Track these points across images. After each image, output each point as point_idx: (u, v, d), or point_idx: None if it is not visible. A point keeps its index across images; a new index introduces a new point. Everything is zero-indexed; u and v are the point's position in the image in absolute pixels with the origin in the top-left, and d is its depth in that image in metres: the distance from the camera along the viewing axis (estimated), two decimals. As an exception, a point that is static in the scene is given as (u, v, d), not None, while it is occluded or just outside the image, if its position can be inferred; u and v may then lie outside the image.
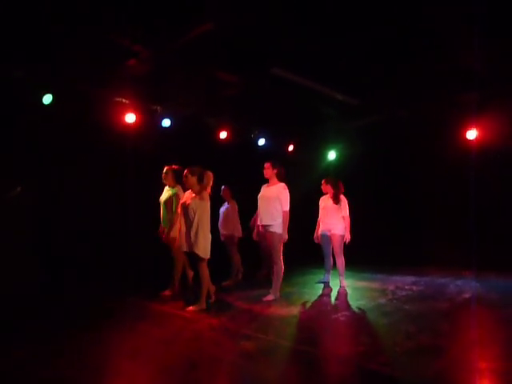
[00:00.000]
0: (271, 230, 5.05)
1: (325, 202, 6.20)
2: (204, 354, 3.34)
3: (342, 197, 6.09)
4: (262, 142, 8.44)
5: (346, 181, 9.33)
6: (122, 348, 3.51)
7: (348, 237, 5.96)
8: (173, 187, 5.44)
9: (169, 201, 5.41)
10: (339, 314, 4.48)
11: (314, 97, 7.51)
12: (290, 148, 9.17)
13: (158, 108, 6.88)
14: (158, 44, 5.56)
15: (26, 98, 5.67)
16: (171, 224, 5.29)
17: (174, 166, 5.49)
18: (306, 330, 3.98)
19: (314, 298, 5.35)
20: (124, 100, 6.47)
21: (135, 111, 6.53)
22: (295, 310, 4.65)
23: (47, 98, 5.67)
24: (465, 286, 5.93)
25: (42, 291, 5.65)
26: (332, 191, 6.06)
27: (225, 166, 7.77)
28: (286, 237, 5.04)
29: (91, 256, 6.47)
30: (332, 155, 9.63)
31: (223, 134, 7.79)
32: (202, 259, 4.60)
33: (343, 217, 5.98)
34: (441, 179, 8.67)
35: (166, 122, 6.97)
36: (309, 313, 4.63)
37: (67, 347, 3.44)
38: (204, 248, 4.56)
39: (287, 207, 5.03)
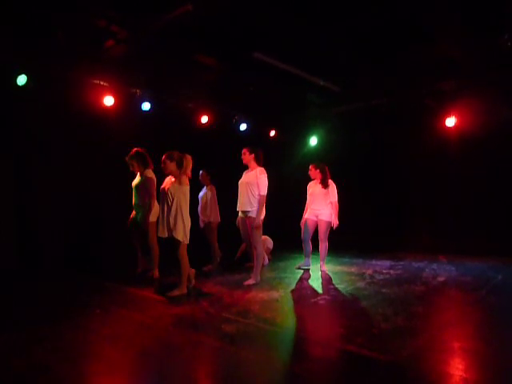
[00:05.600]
0: (251, 215, 5.05)
1: (312, 187, 6.15)
2: (185, 338, 3.35)
3: (331, 182, 6.06)
4: (243, 126, 8.39)
5: (328, 166, 9.42)
6: (101, 333, 3.49)
7: (336, 222, 5.95)
8: (141, 173, 5.41)
9: (141, 185, 5.38)
10: (319, 298, 4.56)
11: (296, 82, 7.47)
12: (272, 133, 9.16)
13: (138, 91, 6.74)
14: (136, 25, 5.41)
15: (0, 79, 5.48)
16: (149, 209, 5.29)
17: (133, 152, 5.39)
18: (287, 313, 4.04)
19: (294, 282, 5.41)
20: (102, 82, 6.31)
21: (114, 94, 6.38)
22: (276, 294, 4.70)
23: (22, 79, 5.49)
24: (440, 270, 6.09)
25: (16, 277, 5.56)
26: (321, 176, 6.03)
27: (206, 150, 7.73)
28: (260, 221, 5.03)
29: (69, 241, 6.39)
30: (313, 141, 9.65)
31: (204, 119, 7.70)
32: (181, 244, 4.55)
33: (331, 202, 5.96)
34: (420, 165, 8.83)
35: (146, 106, 6.84)
36: (289, 297, 4.69)
37: (44, 334, 3.39)
38: (183, 232, 4.52)
39: (264, 192, 5.01)
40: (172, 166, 4.56)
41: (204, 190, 6.45)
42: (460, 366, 2.71)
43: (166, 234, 4.60)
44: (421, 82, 7.28)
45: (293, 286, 5.16)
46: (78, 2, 4.93)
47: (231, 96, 7.80)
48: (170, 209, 4.51)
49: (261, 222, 5.06)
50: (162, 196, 4.64)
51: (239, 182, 5.23)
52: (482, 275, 5.64)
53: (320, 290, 4.94)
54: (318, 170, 6.07)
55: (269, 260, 6.93)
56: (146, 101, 6.80)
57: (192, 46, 6.17)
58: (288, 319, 3.85)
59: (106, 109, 6.41)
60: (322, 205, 5.97)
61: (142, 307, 4.27)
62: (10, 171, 5.94)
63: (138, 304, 4.37)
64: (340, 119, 9.20)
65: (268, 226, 6.37)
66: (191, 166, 4.61)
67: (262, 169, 5.14)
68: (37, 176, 6.19)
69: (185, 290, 4.67)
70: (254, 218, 5.03)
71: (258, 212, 5.00)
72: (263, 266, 6.65)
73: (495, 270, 5.95)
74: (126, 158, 5.41)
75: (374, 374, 2.59)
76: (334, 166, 9.47)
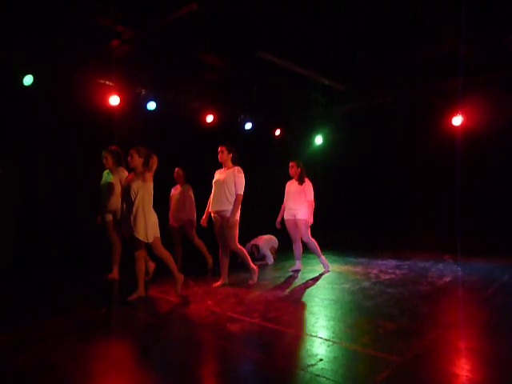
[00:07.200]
0: (225, 214, 4.90)
1: (289, 186, 6.07)
2: (190, 337, 3.36)
3: (307, 180, 5.96)
4: (248, 126, 8.40)
5: (333, 165, 9.40)
6: (106, 332, 3.51)
7: (311, 221, 5.83)
8: (114, 171, 5.32)
9: (112, 185, 5.28)
10: (324, 297, 4.56)
11: (301, 81, 7.46)
12: (277, 132, 9.15)
13: (143, 90, 6.76)
14: (141, 24, 5.43)
15: (7, 80, 5.52)
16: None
17: (111, 148, 5.34)
18: (291, 312, 4.03)
19: (299, 281, 5.41)
20: (108, 82, 6.34)
21: (119, 93, 6.41)
22: (280, 294, 4.70)
23: (28, 79, 5.53)
24: (446, 270, 6.06)
25: (18, 276, 5.59)
26: (298, 174, 5.94)
27: (211, 149, 7.74)
28: (236, 220, 4.92)
29: (73, 241, 6.42)
30: (319, 140, 9.64)
31: (209, 118, 7.72)
32: (153, 243, 4.40)
33: (307, 201, 5.85)
34: (426, 165, 8.79)
35: (151, 105, 6.86)
36: (294, 296, 4.69)
37: (48, 333, 3.41)
38: (144, 231, 4.32)
39: (241, 191, 4.92)
40: (139, 161, 4.40)
41: (178, 188, 6.25)
42: (466, 366, 2.69)
43: (127, 234, 4.45)
44: (427, 80, 7.24)
45: (297, 286, 5.16)
46: (83, 1, 4.95)
47: (236, 95, 7.80)
48: (131, 206, 4.33)
49: (236, 221, 4.95)
50: (125, 193, 4.47)
51: (213, 181, 5.08)
52: (489, 275, 5.60)
53: (325, 290, 4.94)
54: (299, 169, 5.96)
55: (274, 259, 6.94)
56: (152, 100, 6.83)
57: (197, 46, 6.17)
58: (293, 318, 3.85)
59: (112, 108, 6.43)
60: (298, 203, 5.85)
61: (146, 306, 4.29)
62: (14, 171, 5.97)
63: (143, 303, 4.39)
64: (345, 118, 9.18)
65: (274, 226, 6.37)
66: (156, 166, 4.44)
67: (240, 168, 5.04)
68: (40, 176, 6.20)
69: (182, 278, 4.66)
70: (228, 218, 4.89)
71: (234, 211, 4.89)
72: (268, 265, 6.68)
73: (502, 270, 5.91)
74: (103, 152, 5.30)
75: (380, 373, 2.58)
76: (339, 164, 9.52)
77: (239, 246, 5.06)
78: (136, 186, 4.34)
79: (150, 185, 4.42)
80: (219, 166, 5.19)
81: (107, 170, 5.43)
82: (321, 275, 5.78)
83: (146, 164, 4.40)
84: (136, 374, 2.77)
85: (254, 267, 5.22)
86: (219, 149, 5.08)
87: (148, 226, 4.34)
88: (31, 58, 5.52)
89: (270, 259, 6.87)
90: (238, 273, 5.74)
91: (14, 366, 2.78)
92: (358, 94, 8.19)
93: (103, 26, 5.42)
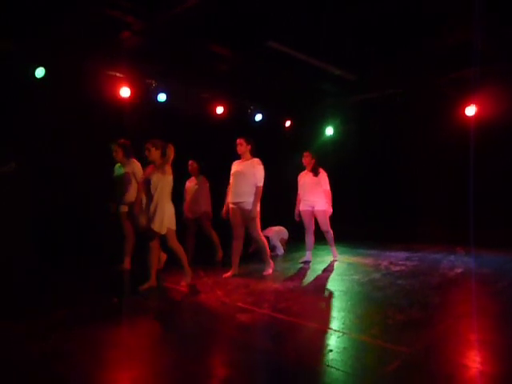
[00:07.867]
0: (245, 206, 4.94)
1: (303, 178, 6.07)
2: (200, 326, 3.40)
3: (321, 170, 5.97)
4: (259, 117, 8.37)
5: (343, 157, 9.32)
6: (119, 322, 3.57)
7: (330, 210, 5.88)
8: (125, 163, 5.43)
9: (124, 177, 5.38)
10: (333, 288, 4.56)
11: (312, 71, 7.40)
12: (287, 123, 9.11)
13: (153, 82, 6.77)
14: (151, 15, 5.42)
15: (19, 72, 5.56)
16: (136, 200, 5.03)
17: (121, 141, 5.43)
18: (301, 303, 4.05)
19: (309, 272, 5.42)
20: (118, 74, 6.36)
21: (130, 85, 6.43)
22: (290, 284, 4.72)
23: (40, 72, 5.58)
24: (457, 262, 6.02)
25: (37, 266, 5.68)
26: (312, 165, 5.94)
27: (221, 141, 7.74)
28: (257, 212, 4.95)
29: (85, 231, 6.48)
30: (329, 131, 9.58)
31: (220, 109, 7.71)
32: (168, 234, 4.44)
33: (324, 190, 5.88)
34: (438, 156, 8.67)
35: (162, 97, 6.88)
36: (304, 287, 4.71)
37: (62, 322, 3.47)
38: (160, 223, 4.36)
39: (261, 182, 4.94)
40: (157, 154, 4.46)
41: (193, 180, 6.31)
42: (477, 358, 2.68)
43: (144, 226, 4.48)
44: (439, 70, 7.11)
45: (307, 277, 5.18)
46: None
47: (246, 86, 7.77)
48: (151, 199, 4.39)
49: (258, 213, 4.98)
50: (145, 186, 4.51)
51: (232, 172, 5.11)
52: (501, 268, 5.55)
53: (335, 281, 4.94)
54: (313, 159, 5.96)
55: (284, 251, 6.96)
56: (162, 92, 6.84)
57: (207, 37, 6.14)
58: (302, 309, 3.86)
59: (123, 100, 6.45)
60: (315, 195, 5.85)
61: (158, 296, 4.34)
62: (24, 165, 6.01)
63: (155, 293, 4.44)
64: (356, 108, 9.09)
65: (284, 217, 6.39)
66: (173, 155, 4.49)
67: (259, 160, 5.05)
68: (50, 169, 6.24)
69: (190, 273, 4.71)
70: (249, 210, 4.93)
71: (255, 203, 4.92)
72: (278, 256, 6.71)
73: (514, 263, 5.85)
74: (113, 145, 5.41)
75: (389, 364, 2.59)
76: (350, 155, 9.44)
77: (262, 236, 5.14)
78: (156, 178, 4.41)
79: (170, 177, 4.49)
80: (230, 157, 5.20)
81: (118, 164, 5.53)
82: (331, 266, 5.78)
83: (164, 155, 4.47)
84: (147, 362, 2.82)
85: (271, 261, 5.26)
86: (237, 141, 5.10)
87: (164, 219, 4.40)
88: (42, 51, 5.55)
89: (280, 250, 6.89)
90: (249, 264, 5.77)
91: (28, 354, 2.83)
92: (369, 85, 8.08)
93: (113, 17, 5.42)
